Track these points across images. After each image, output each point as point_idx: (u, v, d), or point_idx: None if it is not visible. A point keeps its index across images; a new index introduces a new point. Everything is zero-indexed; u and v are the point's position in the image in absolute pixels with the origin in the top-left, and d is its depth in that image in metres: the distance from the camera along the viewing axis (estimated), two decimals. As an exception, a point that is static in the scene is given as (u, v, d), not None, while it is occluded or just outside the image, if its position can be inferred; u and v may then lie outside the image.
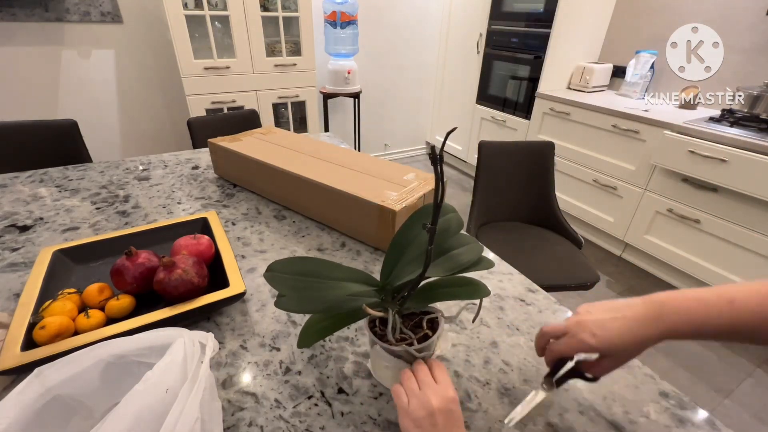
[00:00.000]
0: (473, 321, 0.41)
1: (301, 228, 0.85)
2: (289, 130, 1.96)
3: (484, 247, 0.82)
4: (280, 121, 2.48)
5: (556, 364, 0.46)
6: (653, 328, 0.39)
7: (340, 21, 2.37)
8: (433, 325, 0.46)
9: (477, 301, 0.46)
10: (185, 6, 1.90)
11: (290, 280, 0.43)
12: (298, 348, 0.52)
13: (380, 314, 0.44)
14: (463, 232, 0.49)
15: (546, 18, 2.18)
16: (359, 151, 2.52)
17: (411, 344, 0.43)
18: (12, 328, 0.50)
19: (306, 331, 0.45)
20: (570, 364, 0.46)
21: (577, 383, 0.52)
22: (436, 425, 0.37)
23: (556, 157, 1.48)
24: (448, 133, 0.32)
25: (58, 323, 0.50)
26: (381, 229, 0.75)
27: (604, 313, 0.42)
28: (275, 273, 0.44)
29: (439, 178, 0.33)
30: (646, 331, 0.39)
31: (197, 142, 1.51)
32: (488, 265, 0.46)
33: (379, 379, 0.51)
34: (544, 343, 0.46)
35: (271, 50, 2.24)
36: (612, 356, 0.41)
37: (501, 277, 0.73)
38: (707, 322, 0.38)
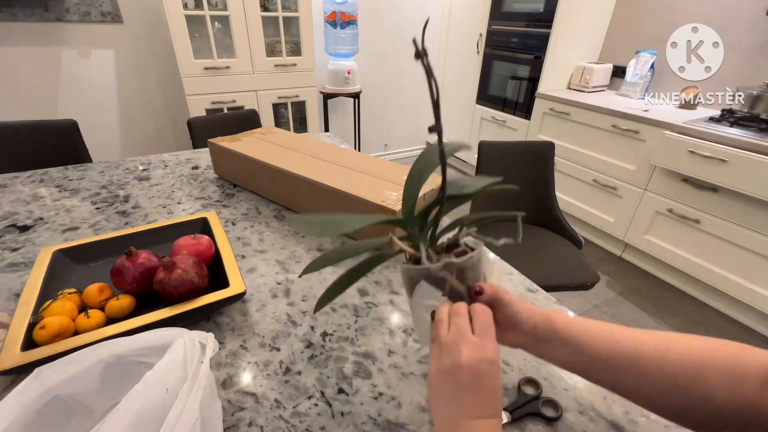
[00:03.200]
0: (518, 239, 0.36)
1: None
2: (289, 130, 1.96)
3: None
4: (280, 121, 2.48)
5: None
6: (539, 316, 0.39)
7: (340, 21, 2.37)
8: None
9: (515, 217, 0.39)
10: (185, 6, 1.90)
11: (306, 219, 0.44)
12: (313, 313, 0.52)
13: (409, 248, 0.39)
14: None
15: (546, 18, 2.18)
16: (359, 151, 2.52)
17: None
18: (12, 328, 0.50)
19: (325, 294, 0.41)
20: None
21: (576, 383, 0.52)
22: (459, 382, 0.32)
23: (556, 157, 1.48)
24: (424, 27, 0.32)
25: (58, 323, 0.50)
26: (381, 228, 0.75)
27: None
28: (304, 222, 0.43)
29: (430, 73, 0.32)
30: (533, 317, 0.38)
31: (197, 142, 1.51)
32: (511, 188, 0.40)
33: (421, 339, 0.49)
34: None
35: (271, 50, 2.24)
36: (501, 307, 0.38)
37: (501, 276, 0.73)
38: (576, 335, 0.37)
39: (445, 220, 0.42)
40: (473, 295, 0.38)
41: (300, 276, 0.45)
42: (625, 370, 0.35)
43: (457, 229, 0.42)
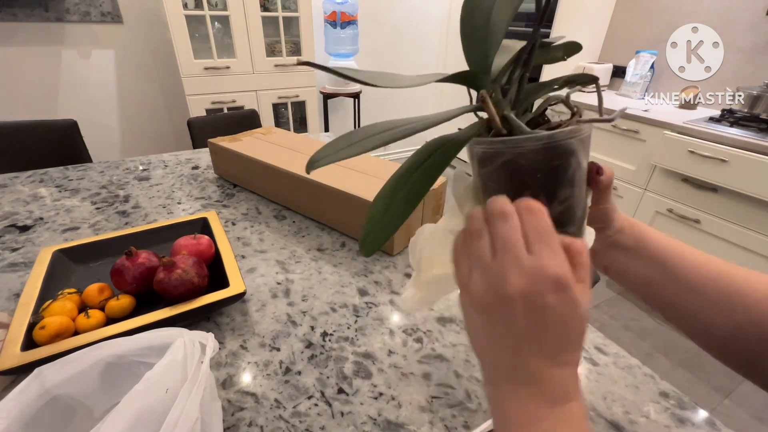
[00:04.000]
0: (616, 116, 0.26)
1: (301, 228, 0.85)
2: (289, 130, 1.96)
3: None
4: (280, 121, 2.48)
5: None
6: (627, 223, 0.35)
7: (340, 21, 2.37)
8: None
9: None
10: (185, 6, 1.90)
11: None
12: (366, 256, 0.42)
13: (497, 115, 0.24)
14: None
15: (546, 18, 2.18)
16: (359, 151, 2.52)
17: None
18: (12, 328, 0.50)
19: (370, 229, 0.27)
20: None
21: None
22: (510, 321, 0.22)
23: (556, 157, 1.48)
24: None
25: (58, 323, 0.50)
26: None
27: None
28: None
29: None
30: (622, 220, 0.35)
31: (197, 142, 1.51)
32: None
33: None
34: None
35: (271, 50, 2.24)
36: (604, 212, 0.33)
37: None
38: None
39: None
40: (593, 174, 0.29)
41: (309, 171, 0.25)
42: (714, 301, 0.32)
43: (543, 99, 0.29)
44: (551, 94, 0.28)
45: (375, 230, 0.26)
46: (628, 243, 0.35)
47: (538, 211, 0.23)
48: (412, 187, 0.25)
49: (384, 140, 0.23)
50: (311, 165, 0.24)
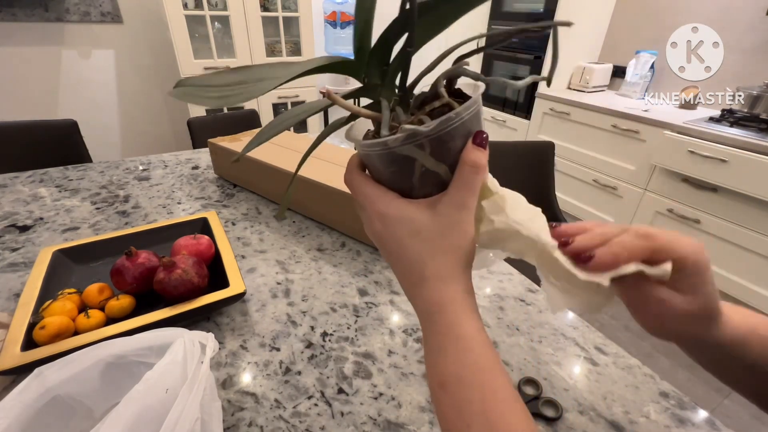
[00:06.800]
0: (548, 82, 0.23)
1: (301, 228, 0.85)
2: (289, 130, 1.95)
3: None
4: (280, 121, 2.48)
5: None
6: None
7: (340, 21, 2.37)
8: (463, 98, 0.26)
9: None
10: (185, 6, 1.90)
11: (216, 91, 0.25)
12: (276, 220, 0.43)
13: (363, 110, 0.25)
14: None
15: (546, 18, 2.18)
16: (359, 151, 2.52)
17: (421, 122, 0.24)
18: (12, 328, 0.50)
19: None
20: None
21: (576, 383, 0.52)
22: (385, 256, 0.28)
23: (556, 158, 1.48)
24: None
25: (58, 323, 0.50)
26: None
27: None
28: (190, 87, 0.25)
29: None
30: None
31: (197, 142, 1.51)
32: None
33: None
34: (599, 241, 0.26)
35: (271, 50, 2.24)
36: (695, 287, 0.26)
37: (501, 277, 0.73)
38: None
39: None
40: (582, 259, 0.25)
41: (235, 161, 0.33)
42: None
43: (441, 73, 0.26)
44: (445, 72, 0.26)
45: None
46: (724, 341, 0.28)
47: (358, 186, 0.28)
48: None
49: (279, 130, 0.27)
50: (238, 158, 0.28)
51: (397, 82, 0.26)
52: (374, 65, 0.25)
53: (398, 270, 0.28)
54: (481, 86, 0.25)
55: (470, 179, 0.25)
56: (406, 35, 0.22)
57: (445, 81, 0.25)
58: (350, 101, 0.24)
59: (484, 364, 0.23)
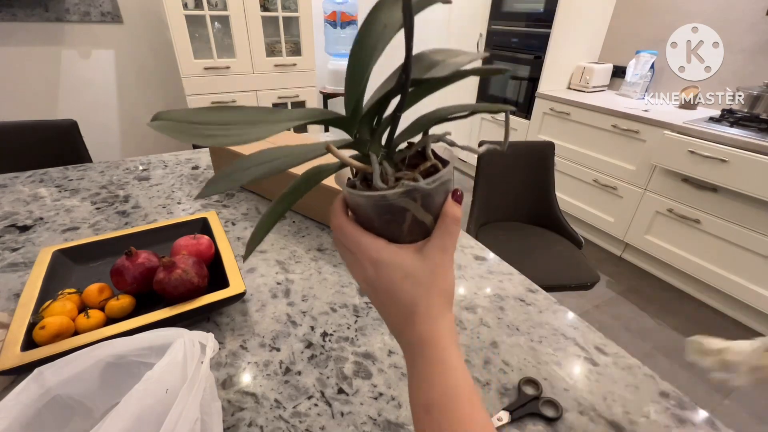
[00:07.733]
0: (504, 147, 0.29)
1: (301, 228, 0.85)
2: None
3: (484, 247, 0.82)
4: (280, 121, 2.48)
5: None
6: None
7: (340, 21, 2.37)
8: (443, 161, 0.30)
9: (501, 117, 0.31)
10: (185, 6, 1.90)
11: (200, 129, 0.24)
12: (243, 260, 0.42)
13: (356, 162, 0.27)
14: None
15: (546, 18, 2.18)
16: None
17: (415, 180, 0.27)
18: (12, 328, 0.50)
19: (255, 233, 0.29)
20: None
21: (576, 383, 0.52)
22: (374, 303, 0.31)
23: (556, 157, 1.48)
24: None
25: (58, 323, 0.50)
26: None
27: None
28: (171, 121, 0.24)
29: None
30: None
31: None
32: (495, 71, 0.30)
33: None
34: None
35: (271, 50, 2.24)
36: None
37: (501, 277, 0.73)
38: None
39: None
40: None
41: (199, 195, 0.27)
42: None
43: (421, 135, 0.30)
44: (427, 136, 0.30)
45: (257, 236, 0.30)
46: None
47: (351, 234, 0.29)
48: (288, 203, 0.30)
49: (263, 171, 0.27)
50: (200, 195, 0.27)
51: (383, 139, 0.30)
52: (365, 123, 0.29)
53: (389, 310, 0.30)
54: (455, 150, 0.30)
55: (451, 228, 0.29)
56: (397, 98, 0.26)
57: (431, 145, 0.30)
58: (344, 151, 0.26)
59: (463, 391, 0.27)
